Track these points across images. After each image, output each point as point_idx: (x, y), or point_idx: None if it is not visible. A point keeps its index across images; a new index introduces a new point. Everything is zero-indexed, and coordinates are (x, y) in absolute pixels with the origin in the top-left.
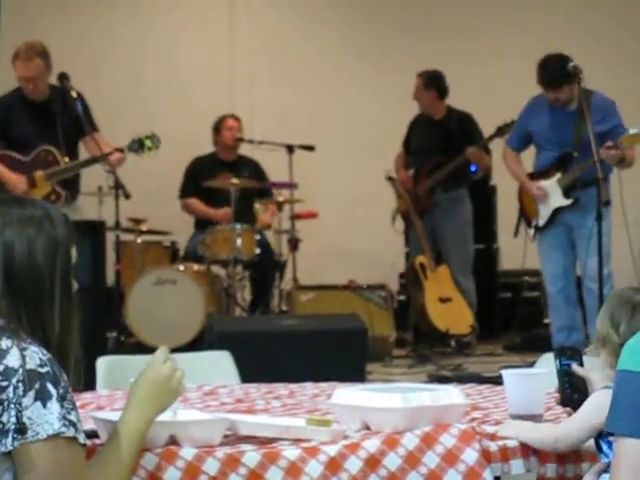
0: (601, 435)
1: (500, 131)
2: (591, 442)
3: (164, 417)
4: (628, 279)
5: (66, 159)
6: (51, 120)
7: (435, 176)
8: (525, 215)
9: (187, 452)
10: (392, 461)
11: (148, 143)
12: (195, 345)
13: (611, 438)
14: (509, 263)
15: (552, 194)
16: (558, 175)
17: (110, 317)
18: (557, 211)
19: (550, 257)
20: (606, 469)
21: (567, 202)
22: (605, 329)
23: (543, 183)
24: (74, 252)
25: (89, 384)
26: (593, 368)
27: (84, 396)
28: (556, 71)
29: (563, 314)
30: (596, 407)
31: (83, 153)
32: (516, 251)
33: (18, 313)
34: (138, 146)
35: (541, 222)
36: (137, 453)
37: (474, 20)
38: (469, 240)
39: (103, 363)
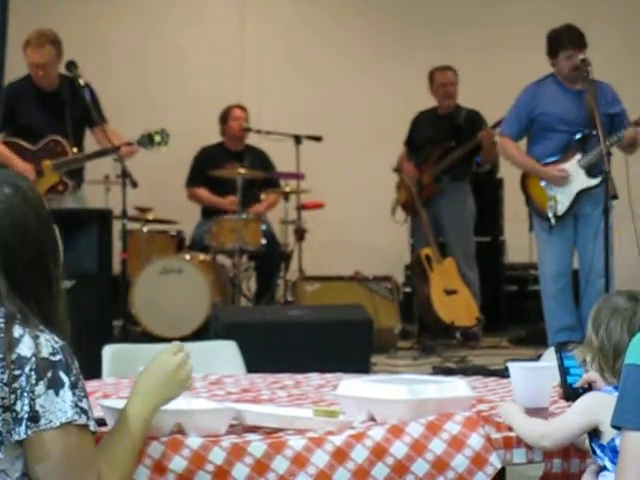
0: (593, 438)
1: None
2: None
3: (170, 406)
4: (635, 275)
5: (74, 150)
6: (60, 110)
7: (446, 160)
8: (535, 207)
9: (193, 441)
10: (398, 449)
11: (157, 138)
12: (200, 335)
13: (604, 441)
14: (515, 256)
15: (574, 177)
16: (578, 156)
17: (116, 305)
18: (579, 196)
19: (556, 251)
20: (601, 469)
21: (594, 182)
22: (589, 332)
23: (563, 166)
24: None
25: (95, 372)
26: None
27: (90, 384)
28: (581, 32)
29: (564, 314)
30: (583, 409)
31: (89, 143)
32: (522, 244)
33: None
34: (148, 141)
35: (561, 209)
36: (142, 440)
37: (486, 12)
38: (470, 233)
39: (109, 351)
